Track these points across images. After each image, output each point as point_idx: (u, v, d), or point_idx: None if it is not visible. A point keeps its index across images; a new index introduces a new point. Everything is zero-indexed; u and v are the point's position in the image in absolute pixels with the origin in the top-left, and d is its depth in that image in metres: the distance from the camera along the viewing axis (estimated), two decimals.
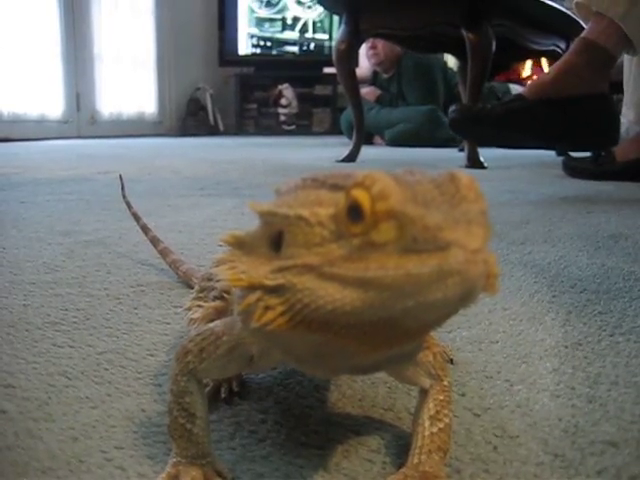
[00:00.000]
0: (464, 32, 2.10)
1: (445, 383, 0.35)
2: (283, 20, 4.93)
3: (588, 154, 1.83)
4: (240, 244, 0.29)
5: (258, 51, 4.91)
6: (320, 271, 0.24)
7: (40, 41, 3.74)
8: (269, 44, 4.92)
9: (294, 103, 4.86)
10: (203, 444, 0.32)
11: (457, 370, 0.47)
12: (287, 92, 4.83)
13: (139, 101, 4.44)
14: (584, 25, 1.54)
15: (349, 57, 2.39)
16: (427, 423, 0.33)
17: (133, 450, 0.35)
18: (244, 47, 4.86)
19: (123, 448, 0.35)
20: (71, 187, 1.52)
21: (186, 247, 0.87)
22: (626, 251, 0.88)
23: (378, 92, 3.86)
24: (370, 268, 0.23)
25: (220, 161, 2.37)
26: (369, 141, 3.53)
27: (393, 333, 0.25)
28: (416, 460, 0.32)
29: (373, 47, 3.67)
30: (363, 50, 3.62)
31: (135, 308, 0.62)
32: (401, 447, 0.36)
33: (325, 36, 4.96)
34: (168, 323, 0.57)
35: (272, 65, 4.91)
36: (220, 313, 0.38)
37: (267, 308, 0.25)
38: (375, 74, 3.95)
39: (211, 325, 0.33)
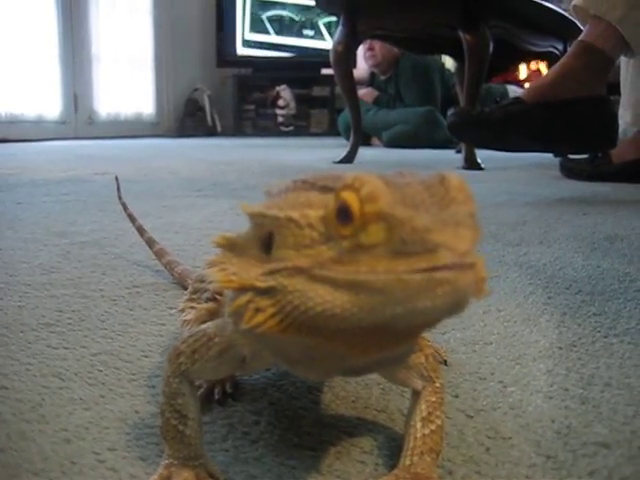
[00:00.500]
0: (461, 33, 2.11)
1: (437, 385, 0.35)
2: (281, 21, 4.93)
3: (585, 155, 1.83)
4: (231, 246, 0.29)
5: (256, 52, 4.91)
6: (311, 273, 0.24)
7: (38, 42, 3.74)
8: (267, 45, 4.92)
9: (292, 104, 4.86)
10: (195, 445, 0.32)
11: (451, 371, 0.47)
12: (285, 93, 4.84)
13: (137, 102, 4.44)
14: (581, 27, 1.54)
15: (347, 58, 2.39)
16: (419, 425, 0.33)
17: (126, 452, 0.35)
18: (242, 48, 4.86)
19: (116, 450, 0.35)
20: (68, 188, 1.52)
21: (182, 248, 0.87)
22: (621, 252, 0.88)
23: (376, 93, 3.86)
24: (360, 271, 0.23)
25: (217, 162, 2.37)
26: (367, 142, 3.53)
27: (383, 337, 0.25)
28: (408, 462, 0.32)
29: (370, 48, 3.67)
30: (361, 51, 3.62)
31: (130, 309, 0.62)
32: (394, 448, 0.36)
33: (323, 38, 4.96)
34: (163, 324, 0.57)
35: (270, 66, 4.91)
36: (212, 315, 0.38)
37: (257, 310, 0.25)
38: (372, 75, 3.96)
39: (203, 327, 0.33)
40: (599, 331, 0.56)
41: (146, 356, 0.50)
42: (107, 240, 0.93)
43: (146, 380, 0.45)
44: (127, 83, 4.35)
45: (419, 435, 0.33)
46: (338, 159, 2.39)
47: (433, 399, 0.34)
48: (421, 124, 3.50)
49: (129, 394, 0.43)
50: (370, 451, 0.36)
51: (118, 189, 0.79)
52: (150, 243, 0.74)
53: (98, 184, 1.61)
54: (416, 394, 0.35)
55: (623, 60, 1.76)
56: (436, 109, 3.59)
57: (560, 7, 2.48)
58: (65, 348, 0.51)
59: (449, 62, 3.73)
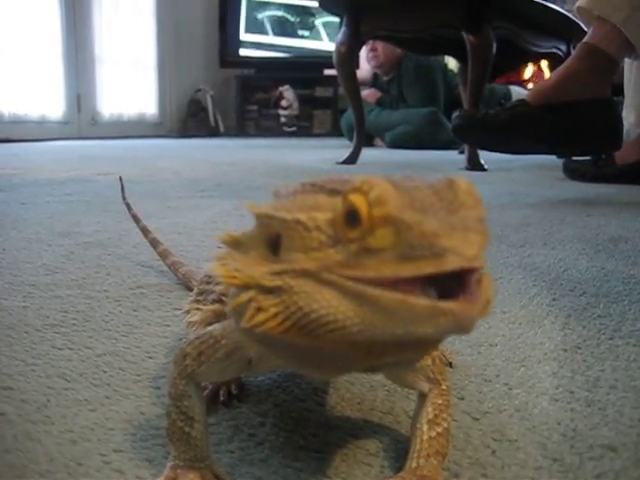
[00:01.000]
0: (465, 34, 2.11)
1: (444, 387, 0.35)
2: (284, 22, 4.94)
3: (588, 157, 1.83)
4: (237, 244, 0.29)
5: (259, 53, 4.91)
6: (318, 276, 0.24)
7: (41, 42, 3.74)
8: (270, 45, 4.92)
9: (295, 105, 4.86)
10: (201, 447, 0.32)
11: (456, 373, 0.47)
12: (288, 94, 4.84)
13: (140, 102, 4.44)
14: (585, 28, 1.54)
15: (350, 59, 2.39)
16: (425, 427, 0.33)
17: (131, 453, 0.35)
18: (245, 48, 4.86)
19: (121, 451, 0.35)
20: (71, 188, 1.52)
21: (186, 249, 0.87)
22: (626, 254, 0.88)
23: (378, 94, 3.86)
24: (367, 278, 0.23)
25: (220, 162, 2.37)
26: (369, 143, 3.52)
27: (385, 347, 0.25)
28: (414, 464, 0.32)
29: (373, 49, 3.67)
30: (363, 52, 3.62)
31: (134, 310, 0.62)
32: (400, 451, 0.36)
33: (326, 38, 4.97)
34: (167, 325, 0.57)
35: (273, 67, 4.91)
36: (219, 316, 0.38)
37: (259, 309, 0.25)
38: (375, 76, 3.95)
39: (210, 328, 0.33)
40: (604, 333, 0.56)
41: (151, 357, 0.50)
42: (111, 241, 0.93)
43: (151, 381, 0.45)
44: (130, 84, 4.36)
45: (425, 437, 0.33)
46: (341, 160, 2.39)
47: (439, 401, 0.34)
48: (424, 125, 3.49)
49: (134, 395, 0.43)
50: (376, 453, 0.36)
51: (122, 189, 0.79)
52: (154, 244, 0.74)
53: (101, 184, 1.61)
54: (422, 396, 0.35)
55: (627, 62, 1.76)
56: (439, 110, 3.59)
57: (563, 8, 2.48)
58: (70, 349, 0.51)
59: (452, 63, 3.72)
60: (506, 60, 2.44)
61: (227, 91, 4.91)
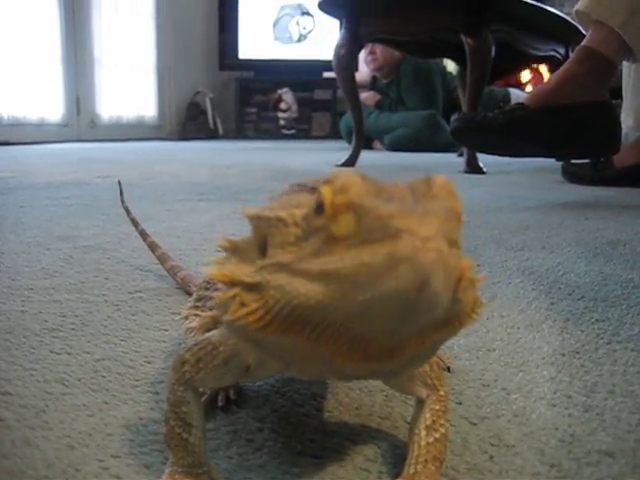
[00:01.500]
0: (463, 37, 2.11)
1: (442, 393, 0.35)
2: (282, 24, 4.94)
3: (587, 160, 1.83)
4: (234, 249, 0.29)
5: (258, 55, 4.91)
6: (291, 268, 0.25)
7: (40, 45, 3.74)
8: (269, 48, 4.92)
9: (294, 107, 4.86)
10: (199, 453, 0.32)
11: (454, 378, 0.47)
12: (287, 96, 4.84)
13: (139, 105, 4.44)
14: (583, 32, 1.55)
15: (349, 62, 2.39)
16: (423, 433, 0.33)
17: (130, 459, 0.35)
18: (244, 51, 4.86)
19: (119, 457, 0.35)
20: (70, 191, 1.52)
21: (184, 252, 0.87)
22: (624, 258, 0.88)
23: (377, 97, 3.87)
24: (331, 261, 0.24)
25: (219, 165, 2.37)
26: (368, 146, 3.53)
27: (365, 346, 0.25)
28: (412, 470, 0.32)
29: (372, 52, 3.67)
30: (362, 55, 3.63)
31: (133, 314, 0.62)
32: (397, 456, 0.36)
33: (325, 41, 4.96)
34: (166, 330, 0.57)
35: (272, 69, 4.91)
36: (217, 323, 0.38)
37: (242, 304, 0.26)
38: (374, 79, 3.96)
39: (208, 335, 0.33)
40: (602, 338, 0.56)
41: (149, 362, 0.50)
42: (110, 244, 0.93)
43: (150, 386, 0.45)
44: (129, 86, 4.36)
45: (423, 443, 0.33)
46: (340, 162, 2.40)
47: (437, 407, 0.34)
48: (423, 128, 3.50)
49: (133, 400, 0.43)
50: (374, 459, 0.36)
51: (121, 193, 0.79)
52: (153, 247, 0.74)
53: (100, 187, 1.61)
54: (420, 402, 0.35)
55: (625, 65, 1.76)
56: (438, 113, 3.60)
57: (562, 11, 2.48)
58: (68, 354, 0.51)
59: (451, 66, 3.73)
60: (505, 63, 2.44)
61: (226, 94, 4.92)
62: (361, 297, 0.23)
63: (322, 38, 4.61)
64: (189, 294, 0.62)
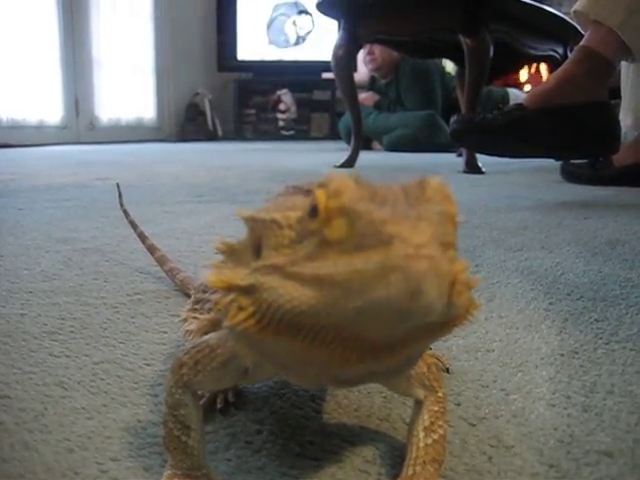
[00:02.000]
0: (462, 37, 2.11)
1: (440, 394, 0.35)
2: (277, 25, 4.94)
3: (586, 159, 1.83)
4: (231, 252, 0.30)
5: (257, 56, 4.91)
6: (284, 271, 0.25)
7: (39, 46, 3.74)
8: (268, 49, 4.92)
9: (293, 108, 4.86)
10: (198, 456, 0.32)
11: (453, 379, 0.47)
12: (286, 97, 4.84)
13: (138, 106, 4.45)
14: (582, 31, 1.55)
15: (347, 62, 2.39)
16: (422, 434, 0.33)
17: (129, 462, 0.35)
18: (243, 52, 4.86)
19: (119, 460, 0.35)
20: (69, 194, 1.52)
21: (183, 254, 0.88)
22: (623, 257, 0.88)
23: (376, 97, 3.87)
24: (324, 266, 0.24)
25: (218, 167, 2.37)
26: (367, 146, 3.53)
27: (360, 347, 0.25)
28: (411, 471, 0.32)
29: (370, 53, 3.67)
30: (361, 56, 3.63)
31: (132, 317, 0.62)
32: (396, 458, 0.36)
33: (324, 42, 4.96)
34: (165, 332, 0.57)
35: (271, 70, 4.91)
36: (215, 325, 0.38)
37: (240, 308, 0.26)
38: (373, 79, 3.96)
39: (206, 338, 0.33)
40: (601, 338, 0.56)
41: (148, 364, 0.50)
42: (109, 247, 0.93)
43: (148, 389, 0.45)
44: (128, 88, 4.36)
45: (422, 445, 0.33)
46: (339, 163, 2.40)
47: (435, 409, 0.34)
48: (422, 128, 3.50)
49: (132, 403, 0.43)
50: (373, 460, 0.36)
51: (120, 196, 0.79)
52: (151, 250, 0.74)
53: (99, 189, 1.61)
54: (418, 404, 0.35)
55: (624, 64, 1.76)
56: (437, 113, 3.60)
57: (560, 11, 2.48)
58: (67, 356, 0.51)
59: (449, 66, 3.73)
60: (503, 63, 2.44)
61: (225, 95, 4.91)
62: (353, 304, 0.23)
63: (321, 39, 4.61)
64: (188, 296, 0.62)
